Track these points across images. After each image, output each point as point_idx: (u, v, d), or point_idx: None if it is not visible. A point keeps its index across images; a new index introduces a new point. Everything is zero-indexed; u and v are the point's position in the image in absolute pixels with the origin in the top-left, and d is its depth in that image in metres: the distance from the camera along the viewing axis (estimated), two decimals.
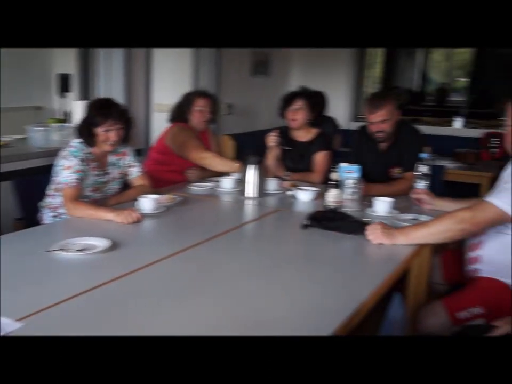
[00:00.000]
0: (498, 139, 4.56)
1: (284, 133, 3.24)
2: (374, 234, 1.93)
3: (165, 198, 2.41)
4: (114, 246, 1.79)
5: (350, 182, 2.34)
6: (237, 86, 4.80)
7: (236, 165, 2.82)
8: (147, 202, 2.26)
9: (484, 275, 2.01)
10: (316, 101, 3.28)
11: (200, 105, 3.12)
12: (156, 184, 2.70)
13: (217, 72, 4.42)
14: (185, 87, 4.05)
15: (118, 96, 3.36)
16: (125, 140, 2.48)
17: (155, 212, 2.26)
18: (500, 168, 2.15)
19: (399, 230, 1.96)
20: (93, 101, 2.55)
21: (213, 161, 2.98)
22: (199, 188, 2.85)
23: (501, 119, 5.78)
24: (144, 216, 2.19)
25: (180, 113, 3.17)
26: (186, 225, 2.27)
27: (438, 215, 1.98)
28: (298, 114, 3.14)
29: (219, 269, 1.69)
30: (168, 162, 3.11)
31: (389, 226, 1.97)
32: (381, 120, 2.78)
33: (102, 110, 2.37)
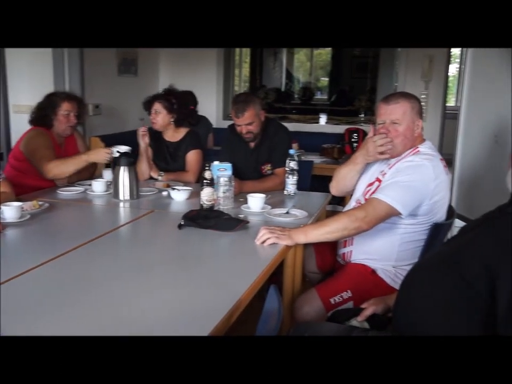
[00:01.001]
0: (357, 134, 4.92)
1: (155, 134, 3.20)
2: (271, 236, 1.91)
3: (29, 205, 2.26)
4: None
5: (222, 180, 2.38)
6: (104, 85, 4.64)
7: (94, 153, 2.80)
8: (9, 211, 2.10)
9: (354, 259, 2.15)
10: (181, 101, 3.25)
11: (66, 109, 2.94)
12: (20, 191, 2.52)
13: (82, 72, 4.23)
14: (48, 87, 3.82)
15: None
16: None
17: (19, 220, 2.11)
18: None
19: (298, 229, 1.99)
20: None
21: (62, 167, 2.82)
22: (68, 192, 2.71)
23: (360, 116, 6.25)
24: (7, 225, 2.04)
25: (42, 116, 2.95)
26: (56, 232, 2.15)
27: (335, 215, 2.03)
28: (157, 117, 3.12)
29: (95, 274, 1.63)
30: (25, 170, 2.89)
31: (282, 228, 1.98)
32: (247, 123, 2.87)
33: None
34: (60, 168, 2.81)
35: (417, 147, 2.09)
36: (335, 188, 2.38)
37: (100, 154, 2.82)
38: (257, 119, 2.90)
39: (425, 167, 1.99)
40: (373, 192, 2.06)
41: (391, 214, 1.96)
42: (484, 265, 1.20)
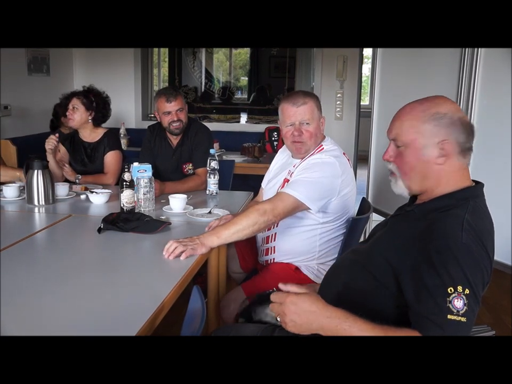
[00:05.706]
0: (277, 133, 5.01)
1: (72, 135, 3.09)
2: (185, 249, 1.78)
3: None
4: None
5: (143, 182, 2.34)
6: (13, 85, 4.41)
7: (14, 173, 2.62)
8: None
9: (277, 261, 2.20)
10: (102, 100, 3.14)
11: None
12: None
13: None
14: None
15: None
16: None
17: None
18: None
19: (208, 233, 1.92)
20: None
21: None
22: None
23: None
24: None
25: None
26: None
27: (245, 211, 2.00)
28: (74, 113, 3.00)
29: (12, 282, 1.54)
30: None
31: (191, 238, 1.87)
32: (178, 109, 2.87)
33: None
34: None
35: (321, 144, 2.16)
36: None
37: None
38: (185, 108, 2.94)
39: (332, 164, 2.06)
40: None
41: (299, 208, 2.00)
42: (388, 263, 1.29)
